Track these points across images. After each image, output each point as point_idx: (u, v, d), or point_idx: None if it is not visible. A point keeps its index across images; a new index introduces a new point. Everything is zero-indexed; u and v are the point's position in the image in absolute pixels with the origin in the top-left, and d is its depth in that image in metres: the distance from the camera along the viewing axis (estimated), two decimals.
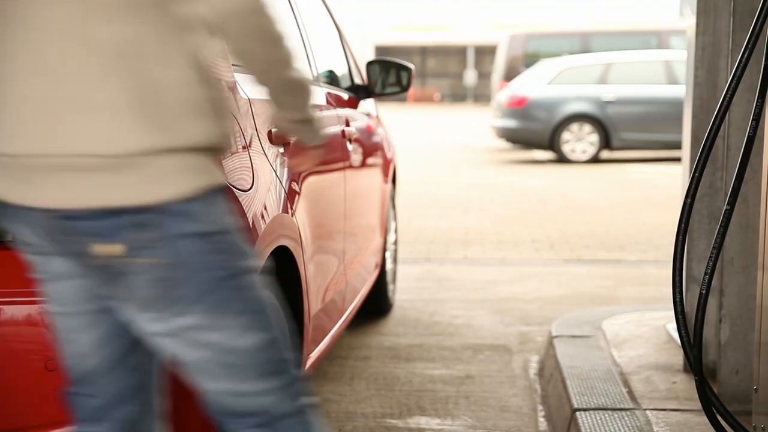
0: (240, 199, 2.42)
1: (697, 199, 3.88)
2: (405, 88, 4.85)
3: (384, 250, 5.03)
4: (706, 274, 2.49)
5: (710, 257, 2.47)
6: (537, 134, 15.50)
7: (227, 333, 1.82)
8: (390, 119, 5.22)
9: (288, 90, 1.96)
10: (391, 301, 5.40)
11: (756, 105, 2.69)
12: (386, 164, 5.05)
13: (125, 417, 1.94)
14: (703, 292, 2.46)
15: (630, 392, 3.62)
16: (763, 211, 2.81)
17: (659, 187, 11.82)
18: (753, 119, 2.63)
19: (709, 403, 2.69)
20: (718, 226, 2.46)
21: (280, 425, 1.89)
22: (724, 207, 2.40)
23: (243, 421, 1.88)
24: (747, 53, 2.63)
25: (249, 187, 2.48)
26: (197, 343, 1.81)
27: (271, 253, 2.62)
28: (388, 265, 5.27)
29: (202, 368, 1.84)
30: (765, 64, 2.71)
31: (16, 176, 1.75)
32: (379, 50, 42.42)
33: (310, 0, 4.24)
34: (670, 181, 12.25)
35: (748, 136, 2.69)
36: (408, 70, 4.81)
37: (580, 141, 15.29)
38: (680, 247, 2.44)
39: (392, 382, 4.18)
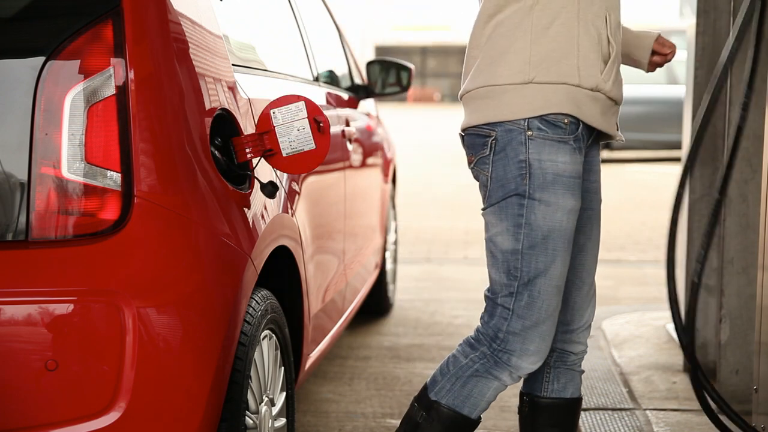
0: (240, 199, 2.42)
1: (697, 199, 3.88)
2: (405, 88, 4.85)
3: (384, 250, 5.03)
4: (698, 261, 2.51)
5: (703, 240, 2.48)
6: None
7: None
8: (390, 119, 5.23)
9: None
10: (391, 301, 5.40)
11: (744, 95, 2.69)
12: (386, 164, 5.05)
13: None
14: (695, 280, 2.47)
15: (630, 392, 3.62)
16: (763, 211, 2.81)
17: (659, 187, 11.83)
18: (742, 109, 2.64)
19: (700, 384, 2.70)
20: (709, 215, 2.48)
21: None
22: (715, 196, 2.43)
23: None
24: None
25: (249, 187, 2.48)
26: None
27: (271, 253, 2.62)
28: (388, 265, 5.27)
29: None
30: (752, 56, 2.71)
31: None
32: (379, 50, 42.42)
33: (310, 0, 4.24)
34: (670, 181, 12.25)
35: (738, 126, 2.71)
36: (408, 70, 4.81)
37: None
38: (673, 229, 2.48)
39: (392, 382, 4.18)
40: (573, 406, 2.61)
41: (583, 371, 2.66)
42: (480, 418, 2.50)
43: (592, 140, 2.47)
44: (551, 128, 2.33)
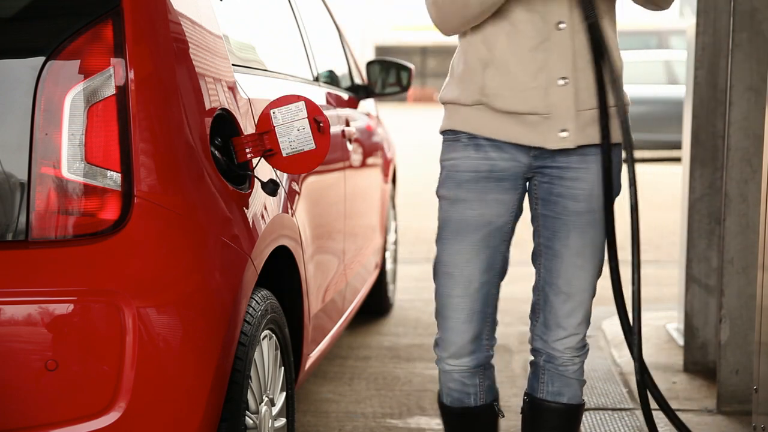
0: (240, 199, 2.42)
1: (698, 199, 3.88)
2: (405, 88, 4.85)
3: (384, 250, 5.03)
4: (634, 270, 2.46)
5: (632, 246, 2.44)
6: None
7: None
8: (390, 119, 5.23)
9: None
10: (391, 301, 5.40)
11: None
12: (386, 164, 5.05)
13: None
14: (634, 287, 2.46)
15: (630, 392, 3.62)
16: (763, 211, 2.81)
17: (659, 187, 11.82)
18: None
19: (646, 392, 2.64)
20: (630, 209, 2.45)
21: None
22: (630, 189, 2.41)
23: None
24: None
25: (249, 187, 2.48)
26: None
27: (271, 253, 2.62)
28: (388, 265, 5.27)
29: None
30: None
31: None
32: (379, 50, 42.41)
33: (310, 0, 4.24)
34: (670, 181, 12.24)
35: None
36: (408, 70, 4.81)
37: None
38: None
39: (392, 382, 4.18)
40: (571, 413, 2.60)
41: (582, 381, 2.63)
42: (478, 404, 2.61)
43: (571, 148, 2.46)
44: (452, 133, 2.53)
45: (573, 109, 2.39)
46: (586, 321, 2.58)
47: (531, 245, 2.60)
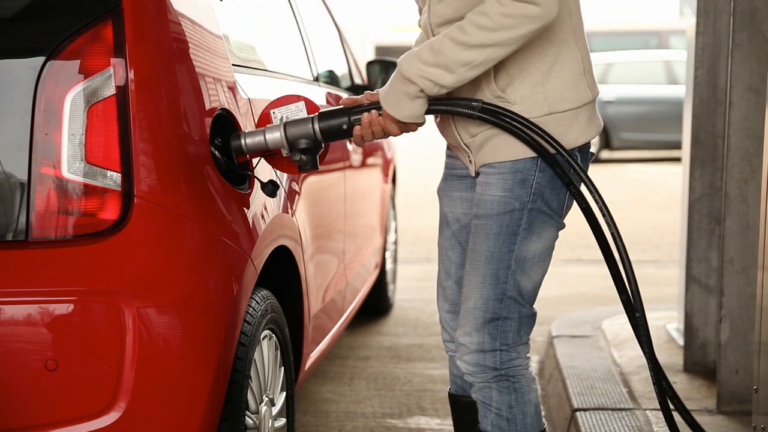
0: (240, 199, 2.42)
1: (698, 199, 3.88)
2: None
3: (384, 250, 5.03)
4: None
5: None
6: None
7: None
8: None
9: None
10: (391, 301, 5.40)
11: None
12: (386, 164, 5.05)
13: None
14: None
15: (630, 392, 3.62)
16: (763, 211, 2.81)
17: (659, 187, 11.82)
18: None
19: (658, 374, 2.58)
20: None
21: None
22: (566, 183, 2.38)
23: None
24: None
25: (249, 187, 2.48)
26: None
27: (271, 253, 2.62)
28: (388, 265, 5.27)
29: None
30: None
31: None
32: (379, 50, 42.37)
33: (310, 0, 4.24)
34: (670, 181, 12.25)
35: None
36: None
37: None
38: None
39: (392, 382, 4.18)
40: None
41: (482, 402, 2.40)
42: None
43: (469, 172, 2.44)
44: None
45: (460, 140, 2.39)
46: (477, 334, 2.35)
47: None
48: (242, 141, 2.35)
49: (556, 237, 2.39)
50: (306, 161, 2.34)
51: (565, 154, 2.29)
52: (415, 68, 2.23)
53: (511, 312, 2.34)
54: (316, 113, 2.34)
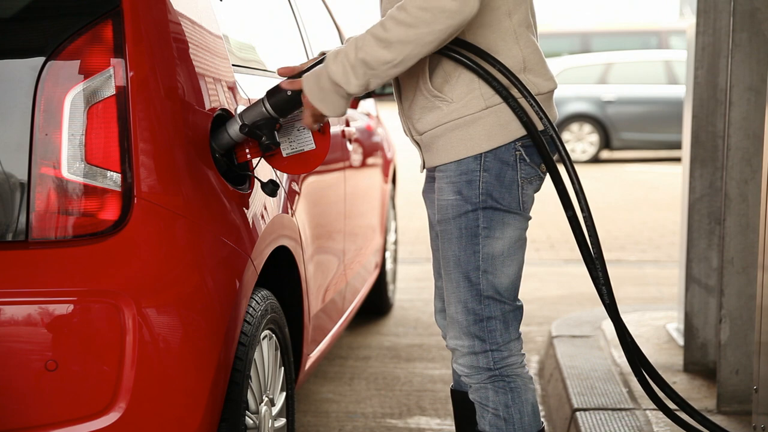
0: (240, 200, 2.42)
1: (698, 199, 3.88)
2: None
3: (384, 250, 5.03)
4: None
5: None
6: None
7: None
8: (390, 119, 5.23)
9: None
10: (391, 301, 5.40)
11: None
12: (386, 164, 5.05)
13: None
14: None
15: (630, 392, 3.62)
16: (763, 211, 2.81)
17: (659, 187, 11.82)
18: None
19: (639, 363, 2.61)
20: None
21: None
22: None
23: None
24: None
25: (249, 187, 2.48)
26: None
27: (271, 253, 2.62)
28: (388, 265, 5.27)
29: None
30: None
31: None
32: None
33: (310, 0, 4.24)
34: (670, 181, 12.25)
35: None
36: None
37: (580, 141, 15.28)
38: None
39: (392, 382, 4.18)
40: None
41: (479, 403, 2.40)
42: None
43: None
44: None
45: (411, 137, 2.41)
46: (465, 338, 2.35)
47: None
48: (212, 145, 2.35)
49: (524, 229, 2.36)
50: (268, 141, 2.32)
51: (553, 130, 2.31)
52: (341, 69, 2.19)
53: (493, 311, 2.34)
54: (264, 95, 2.34)
